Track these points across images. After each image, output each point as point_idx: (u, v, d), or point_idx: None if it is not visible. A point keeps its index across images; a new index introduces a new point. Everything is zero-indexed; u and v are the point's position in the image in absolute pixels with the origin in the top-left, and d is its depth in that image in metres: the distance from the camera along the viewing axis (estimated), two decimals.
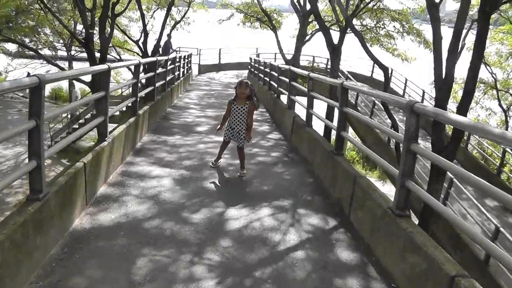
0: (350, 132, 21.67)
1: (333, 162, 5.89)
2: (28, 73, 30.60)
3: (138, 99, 7.88)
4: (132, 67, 8.49)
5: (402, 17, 21.18)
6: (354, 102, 19.16)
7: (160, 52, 20.59)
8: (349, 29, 16.23)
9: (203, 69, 26.06)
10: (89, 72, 5.44)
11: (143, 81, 12.04)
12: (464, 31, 10.87)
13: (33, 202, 3.51)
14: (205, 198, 5.38)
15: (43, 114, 3.58)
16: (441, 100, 8.33)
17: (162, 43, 20.42)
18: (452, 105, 16.68)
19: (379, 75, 24.03)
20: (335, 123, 6.23)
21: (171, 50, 20.64)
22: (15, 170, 3.47)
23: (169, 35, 20.91)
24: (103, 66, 5.55)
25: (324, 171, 6.32)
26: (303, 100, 8.59)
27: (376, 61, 10.32)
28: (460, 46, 8.60)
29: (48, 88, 33.01)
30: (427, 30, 20.24)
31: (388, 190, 15.95)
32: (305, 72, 8.30)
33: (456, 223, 3.23)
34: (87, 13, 14.75)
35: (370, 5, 19.95)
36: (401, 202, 3.89)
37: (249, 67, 22.17)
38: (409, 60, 23.69)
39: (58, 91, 33.08)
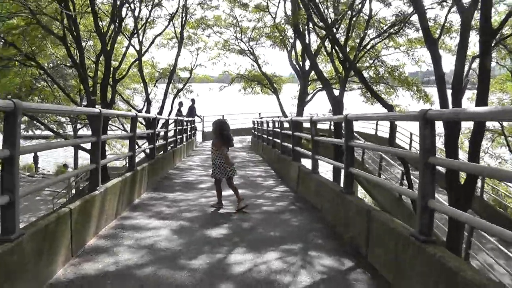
0: (360, 191, 21.13)
1: (344, 202, 5.43)
2: (35, 153, 30.71)
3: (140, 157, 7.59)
4: (145, 123, 8.25)
5: (400, 73, 21.18)
6: (361, 159, 18.79)
7: (185, 116, 20.90)
8: (348, 88, 16.21)
9: (208, 136, 25.98)
10: (76, 112, 5.14)
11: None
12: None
13: (3, 243, 3.07)
14: (205, 245, 4.88)
15: (19, 143, 3.23)
16: (451, 137, 7.92)
17: (184, 108, 21.01)
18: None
19: (383, 133, 23.93)
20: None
21: (196, 115, 21.36)
22: None
23: (193, 100, 21.55)
24: (94, 109, 5.29)
25: (334, 214, 5.84)
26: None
27: (379, 99, 10.05)
28: (464, 82, 8.29)
29: (53, 166, 32.95)
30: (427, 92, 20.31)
31: None
32: (306, 118, 8.04)
33: (500, 233, 2.71)
34: (89, 80, 14.87)
35: (367, 64, 20.04)
36: (425, 226, 3.41)
37: (253, 131, 22.10)
38: None
39: (64, 169, 33.01)
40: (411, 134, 21.72)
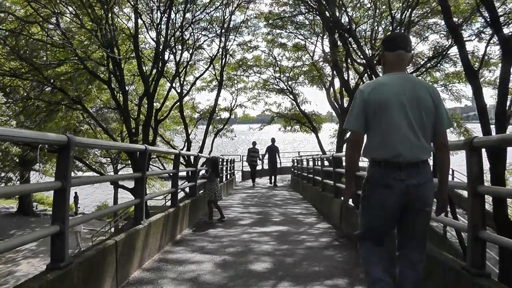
0: None
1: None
2: (76, 193, 31.55)
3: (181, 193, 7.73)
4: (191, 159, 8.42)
5: None
6: None
7: (260, 157, 20.28)
8: None
9: (247, 175, 26.00)
10: (125, 148, 5.34)
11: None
12: None
13: (53, 271, 3.15)
14: (249, 279, 4.84)
15: (70, 176, 3.36)
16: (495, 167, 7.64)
17: (262, 147, 20.52)
18: None
19: None
20: None
21: (277, 154, 19.86)
22: (36, 231, 3.17)
23: (273, 139, 20.04)
24: (140, 146, 5.46)
25: None
26: None
27: None
28: (508, 113, 8.03)
29: (93, 206, 33.52)
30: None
31: None
32: None
33: None
34: (131, 121, 15.39)
35: None
36: (476, 258, 3.27)
37: (292, 169, 22.03)
38: (453, 154, 22.76)
39: (104, 208, 33.68)
40: (453, 171, 21.12)
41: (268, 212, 11.11)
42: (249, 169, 21.55)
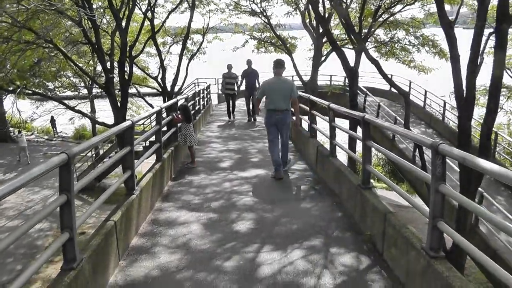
0: None
1: (361, 197, 5.82)
2: (52, 117, 31.29)
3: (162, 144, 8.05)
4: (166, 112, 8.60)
5: (415, 23, 21.00)
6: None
7: (237, 82, 16.53)
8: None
9: (222, 98, 26.11)
10: (114, 133, 5.55)
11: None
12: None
13: (68, 272, 3.57)
14: (236, 244, 5.37)
15: (73, 188, 3.65)
16: (464, 118, 8.21)
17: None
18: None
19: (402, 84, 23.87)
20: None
21: (257, 81, 15.68)
22: (48, 247, 3.54)
23: (249, 61, 15.89)
24: (127, 123, 5.66)
25: (352, 205, 6.27)
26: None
27: (395, 87, 10.31)
28: (479, 61, 8.42)
29: (71, 128, 33.55)
30: (441, 36, 20.11)
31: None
32: (325, 103, 8.29)
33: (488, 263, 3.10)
34: (106, 58, 15.16)
35: (381, 19, 19.88)
36: (434, 243, 3.82)
37: None
38: (426, 71, 23.32)
39: (83, 131, 33.67)
40: (425, 91, 21.81)
41: (246, 149, 11.53)
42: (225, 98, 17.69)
